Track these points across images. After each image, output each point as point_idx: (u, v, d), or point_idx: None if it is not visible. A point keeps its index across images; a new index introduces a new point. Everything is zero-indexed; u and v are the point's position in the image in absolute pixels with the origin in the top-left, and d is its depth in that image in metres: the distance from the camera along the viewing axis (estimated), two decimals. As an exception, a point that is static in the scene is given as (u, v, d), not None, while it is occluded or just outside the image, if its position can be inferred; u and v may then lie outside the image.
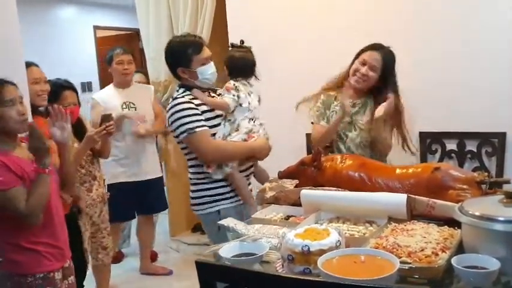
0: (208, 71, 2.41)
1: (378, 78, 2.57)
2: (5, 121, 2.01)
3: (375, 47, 2.60)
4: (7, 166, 1.97)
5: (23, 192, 1.97)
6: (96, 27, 7.57)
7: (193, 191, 2.49)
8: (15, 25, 2.67)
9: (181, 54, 2.39)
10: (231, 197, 2.46)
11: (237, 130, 2.44)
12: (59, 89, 2.93)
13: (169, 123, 2.39)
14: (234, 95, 2.42)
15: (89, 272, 3.17)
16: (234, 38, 2.85)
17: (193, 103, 2.37)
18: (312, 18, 3.49)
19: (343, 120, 2.57)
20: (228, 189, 2.45)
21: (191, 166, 2.49)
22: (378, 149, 2.61)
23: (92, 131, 2.94)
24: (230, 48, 2.59)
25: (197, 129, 2.32)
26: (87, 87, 7.14)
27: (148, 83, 4.27)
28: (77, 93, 3.02)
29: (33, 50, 6.07)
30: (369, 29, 3.29)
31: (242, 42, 2.57)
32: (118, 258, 4.12)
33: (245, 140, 2.43)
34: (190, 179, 2.51)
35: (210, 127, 2.38)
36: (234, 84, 2.46)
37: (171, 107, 2.37)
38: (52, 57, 6.58)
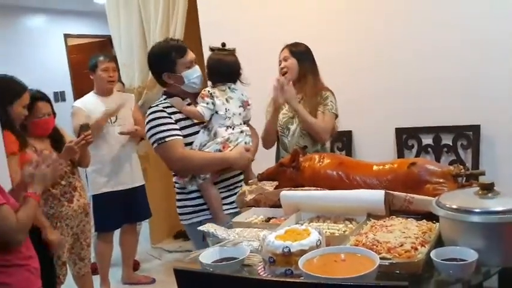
0: (194, 74, 2.36)
1: (298, 66, 2.77)
2: None
3: (283, 48, 2.85)
4: None
5: (12, 211, 1.94)
6: (67, 36, 7.46)
7: (178, 200, 2.47)
8: None
9: (164, 58, 2.35)
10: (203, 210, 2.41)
11: (214, 139, 2.36)
12: (32, 100, 2.86)
13: (145, 131, 2.36)
14: (208, 103, 2.33)
15: (72, 282, 3.16)
16: (206, 43, 2.84)
17: (165, 111, 2.32)
18: (286, 19, 3.51)
19: (280, 111, 2.76)
20: (202, 201, 2.39)
21: (174, 175, 2.46)
22: (312, 136, 2.73)
23: (70, 142, 2.90)
24: (210, 52, 2.52)
25: (167, 139, 2.27)
26: (60, 96, 7.03)
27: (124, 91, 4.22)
28: (50, 103, 2.97)
29: (3, 60, 6.00)
30: (347, 28, 3.33)
31: (223, 44, 2.50)
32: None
33: (220, 150, 2.33)
34: (175, 187, 2.48)
35: (186, 136, 2.32)
36: (209, 91, 2.37)
37: (146, 117, 2.35)
38: (23, 67, 6.44)
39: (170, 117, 2.31)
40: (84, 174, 3.58)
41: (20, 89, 2.63)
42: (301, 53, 2.79)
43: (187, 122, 2.35)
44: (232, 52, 2.48)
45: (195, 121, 2.36)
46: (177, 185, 2.45)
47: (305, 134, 2.75)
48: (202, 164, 2.31)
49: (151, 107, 2.37)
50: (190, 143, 2.33)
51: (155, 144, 2.29)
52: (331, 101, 2.75)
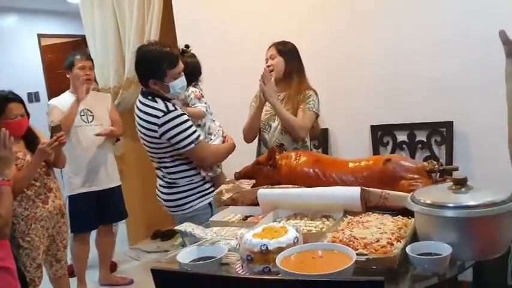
0: (179, 85, 2.44)
1: (285, 64, 2.80)
2: None
3: (270, 46, 2.89)
4: None
5: None
6: (40, 35, 7.33)
7: (177, 193, 2.54)
8: None
9: (155, 67, 2.37)
10: (210, 192, 2.57)
11: (209, 133, 2.60)
12: (4, 101, 2.81)
13: (167, 137, 2.38)
14: (205, 102, 2.57)
15: (48, 284, 3.13)
16: (182, 42, 2.84)
17: (185, 114, 2.44)
18: (261, 17, 3.51)
19: (264, 107, 2.80)
20: (211, 183, 2.60)
21: (176, 172, 2.52)
22: (293, 134, 2.77)
23: (43, 144, 2.86)
24: (184, 54, 2.61)
25: (200, 138, 2.45)
26: (34, 97, 6.91)
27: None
28: (23, 104, 2.92)
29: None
30: (321, 26, 3.35)
31: (187, 46, 2.60)
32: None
33: (222, 141, 2.64)
34: (174, 183, 2.54)
35: None
36: (199, 91, 2.56)
37: (168, 121, 2.36)
38: (-5, 68, 6.35)
39: (190, 120, 2.45)
40: (60, 174, 3.53)
41: None
42: (288, 52, 2.83)
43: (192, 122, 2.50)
44: (192, 53, 2.70)
45: (195, 120, 2.56)
46: (184, 180, 2.53)
47: (286, 131, 2.79)
48: (225, 154, 2.64)
49: (169, 111, 2.37)
50: None
51: (192, 145, 2.40)
52: (313, 100, 2.79)
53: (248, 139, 2.90)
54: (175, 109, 2.40)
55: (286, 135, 2.79)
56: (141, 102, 2.45)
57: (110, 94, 4.00)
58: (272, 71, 2.80)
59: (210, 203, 2.55)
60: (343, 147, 3.38)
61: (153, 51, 2.41)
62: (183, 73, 2.44)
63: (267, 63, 2.86)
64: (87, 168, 3.54)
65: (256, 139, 2.95)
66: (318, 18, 3.36)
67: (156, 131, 2.38)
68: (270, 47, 2.88)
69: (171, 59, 2.38)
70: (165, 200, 2.58)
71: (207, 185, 2.59)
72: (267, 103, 2.77)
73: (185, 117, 2.41)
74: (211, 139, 2.64)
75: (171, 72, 2.37)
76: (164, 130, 2.37)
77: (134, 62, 2.48)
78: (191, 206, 2.54)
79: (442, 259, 1.34)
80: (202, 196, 2.56)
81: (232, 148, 2.67)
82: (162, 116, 2.37)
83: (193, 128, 2.42)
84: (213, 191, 2.50)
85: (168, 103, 2.41)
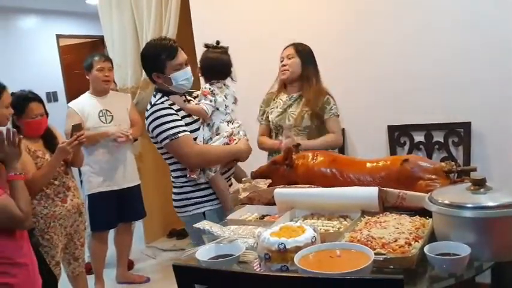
0: (182, 77, 2.36)
1: (301, 66, 2.81)
2: None
3: (287, 45, 2.88)
4: None
5: (11, 199, 1.99)
6: (59, 36, 7.43)
7: (176, 194, 2.48)
8: None
9: (154, 59, 2.35)
10: (215, 199, 2.45)
11: (217, 134, 2.43)
12: (24, 101, 2.86)
13: (150, 130, 2.35)
14: (211, 100, 2.40)
15: (66, 281, 3.16)
16: (199, 41, 2.84)
17: (173, 109, 2.35)
18: (277, 17, 3.52)
19: (275, 108, 2.89)
20: (211, 191, 2.45)
21: (174, 170, 2.46)
22: (307, 134, 2.81)
23: (63, 142, 2.90)
24: (205, 49, 2.54)
25: (179, 135, 2.30)
26: (52, 97, 7.00)
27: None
28: (43, 103, 2.97)
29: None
30: (340, 26, 3.35)
31: (218, 42, 2.52)
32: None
33: (227, 144, 2.43)
34: (174, 182, 2.49)
35: (190, 132, 2.36)
36: (210, 89, 2.43)
37: (151, 114, 2.34)
38: (15, 68, 6.43)
39: (177, 114, 2.35)
40: (78, 174, 3.58)
41: None
42: (306, 54, 2.83)
43: (190, 119, 2.40)
44: (226, 50, 2.51)
45: (196, 118, 2.42)
46: (177, 180, 2.46)
47: (300, 131, 2.79)
48: (218, 157, 2.41)
49: (155, 104, 2.35)
50: (194, 139, 2.37)
51: (167, 140, 2.30)
52: (333, 104, 2.84)
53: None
54: (162, 102, 2.35)
55: (301, 135, 2.79)
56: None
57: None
58: (287, 70, 2.80)
59: (204, 213, 2.42)
60: (359, 147, 3.37)
61: (152, 44, 2.43)
62: (187, 66, 2.39)
63: (282, 62, 2.85)
64: (106, 168, 3.58)
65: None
66: (337, 18, 3.35)
67: (146, 124, 2.39)
68: (287, 47, 2.87)
69: (170, 50, 2.34)
70: (172, 199, 2.53)
71: (202, 193, 2.43)
72: (277, 105, 2.86)
73: (169, 111, 2.33)
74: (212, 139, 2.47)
75: (170, 64, 2.33)
76: (148, 122, 2.35)
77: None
78: (187, 211, 2.45)
79: (461, 259, 1.34)
80: (196, 204, 2.44)
81: (234, 152, 2.45)
82: (149, 108, 2.37)
83: (174, 123, 2.31)
84: (211, 200, 2.44)
85: (163, 97, 2.37)
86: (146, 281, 3.92)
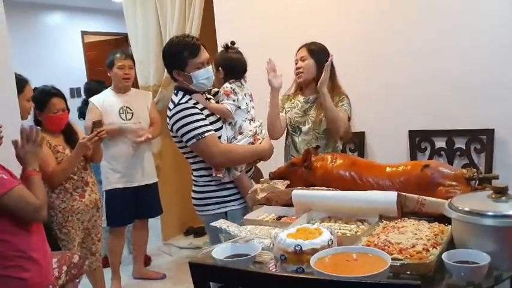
0: (203, 76, 2.35)
1: (316, 66, 2.74)
2: None
3: (300, 47, 2.84)
4: (3, 168, 2.00)
5: (27, 190, 2.05)
6: (84, 33, 7.54)
7: (197, 192, 2.48)
8: (4, 33, 2.62)
9: (176, 56, 2.35)
10: (238, 199, 2.46)
11: (240, 133, 2.44)
12: (47, 96, 2.92)
13: (174, 130, 2.34)
14: (234, 100, 2.42)
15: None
16: (222, 40, 2.85)
17: (197, 108, 2.35)
18: (299, 17, 3.52)
19: (293, 108, 2.82)
20: (235, 190, 2.45)
21: (197, 169, 2.46)
22: (334, 129, 2.70)
23: (84, 138, 2.94)
24: (223, 49, 2.56)
25: (206, 134, 2.30)
26: (76, 92, 7.10)
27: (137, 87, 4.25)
28: (65, 99, 3.01)
29: (21, 57, 6.07)
30: (363, 28, 3.33)
31: (233, 43, 2.54)
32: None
33: (252, 143, 2.44)
34: (195, 181, 2.49)
35: (215, 131, 2.36)
36: (231, 88, 2.44)
37: (175, 113, 2.33)
38: (41, 63, 6.55)
39: (202, 113, 2.35)
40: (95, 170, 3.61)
41: (20, 83, 2.66)
42: (319, 54, 2.76)
43: (214, 118, 2.41)
44: (238, 50, 2.56)
45: (219, 116, 2.43)
46: (200, 179, 2.46)
47: (319, 134, 2.77)
48: (243, 157, 2.43)
49: (179, 104, 2.34)
50: (218, 138, 2.38)
51: (193, 140, 2.30)
52: (346, 103, 2.78)
53: (274, 135, 2.78)
54: (187, 102, 2.34)
55: (319, 139, 2.76)
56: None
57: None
58: (301, 73, 2.77)
59: (226, 213, 2.42)
60: (379, 151, 3.35)
61: (174, 41, 2.43)
62: (208, 65, 2.39)
63: (296, 64, 2.82)
64: (125, 165, 3.61)
65: (283, 141, 2.92)
66: (360, 20, 3.33)
67: (169, 124, 2.38)
68: (300, 48, 2.83)
69: (193, 48, 2.34)
70: (192, 198, 2.53)
71: (226, 192, 2.44)
72: (295, 105, 2.81)
73: (195, 110, 2.32)
74: (236, 139, 2.47)
75: (192, 62, 2.32)
76: (172, 122, 2.34)
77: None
78: (207, 210, 2.45)
79: (480, 268, 1.32)
80: (219, 203, 2.43)
81: (259, 152, 2.48)
82: (173, 108, 2.35)
83: (199, 123, 2.30)
84: (234, 200, 2.44)
85: (186, 96, 2.36)
86: (162, 277, 3.95)
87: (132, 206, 3.70)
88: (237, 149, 2.40)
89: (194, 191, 2.50)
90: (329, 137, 2.78)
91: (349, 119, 2.79)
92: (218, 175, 2.38)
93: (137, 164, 3.66)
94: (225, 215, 2.38)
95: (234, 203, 2.45)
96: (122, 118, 3.58)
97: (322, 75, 2.61)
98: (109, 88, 3.69)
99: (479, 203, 1.46)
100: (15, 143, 2.21)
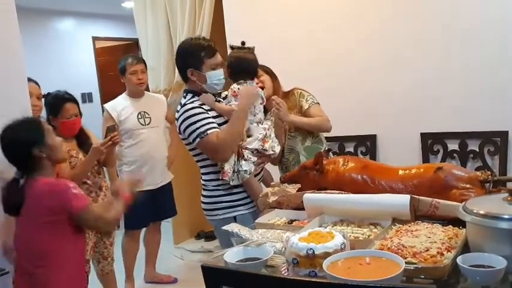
0: (217, 77, 2.38)
1: (270, 80, 2.81)
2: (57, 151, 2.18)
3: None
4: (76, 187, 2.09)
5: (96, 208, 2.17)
6: (95, 38, 7.60)
7: (206, 197, 2.48)
8: (17, 38, 2.62)
9: (193, 55, 2.38)
10: (248, 203, 2.45)
11: (248, 136, 2.42)
12: (60, 101, 2.94)
13: (182, 130, 2.36)
14: None
15: (95, 279, 3.24)
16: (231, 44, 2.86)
17: (203, 108, 2.36)
18: (309, 17, 3.51)
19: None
20: (244, 195, 2.45)
21: (206, 173, 2.47)
22: (324, 130, 2.81)
23: (98, 143, 2.95)
24: (230, 50, 2.57)
25: (209, 132, 2.30)
26: (87, 97, 7.15)
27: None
28: (78, 104, 3.03)
29: (33, 63, 6.12)
30: (373, 30, 3.32)
31: (243, 43, 2.54)
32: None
33: (262, 145, 2.42)
34: (204, 185, 2.49)
35: None
36: (239, 89, 2.43)
37: (181, 114, 2.35)
38: (53, 68, 6.60)
39: (208, 113, 2.36)
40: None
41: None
42: (270, 71, 2.84)
43: (221, 120, 2.40)
44: (252, 50, 2.53)
45: (226, 118, 2.41)
46: (209, 183, 2.46)
47: (292, 133, 2.81)
48: (237, 125, 2.36)
49: (185, 105, 2.36)
50: None
51: (197, 139, 2.31)
52: (307, 94, 2.82)
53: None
54: (192, 102, 2.36)
55: (297, 138, 2.81)
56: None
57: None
58: (263, 88, 2.73)
59: (235, 217, 2.41)
60: (391, 154, 3.33)
61: (191, 41, 2.46)
62: (222, 68, 2.41)
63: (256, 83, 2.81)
64: (143, 169, 3.61)
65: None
66: (369, 22, 3.32)
67: (177, 126, 2.40)
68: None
69: (209, 49, 2.38)
70: (201, 202, 2.53)
71: (235, 197, 2.44)
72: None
73: (199, 110, 2.34)
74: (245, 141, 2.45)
75: (208, 62, 2.36)
76: (179, 123, 2.36)
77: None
78: (216, 215, 2.44)
79: (496, 272, 1.30)
80: (228, 208, 2.43)
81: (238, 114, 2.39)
82: (180, 108, 2.38)
83: (203, 121, 2.31)
84: (243, 205, 2.44)
85: (193, 97, 2.38)
86: (174, 281, 3.95)
87: (149, 209, 3.70)
88: (228, 128, 2.34)
89: (203, 196, 2.50)
90: (303, 132, 2.81)
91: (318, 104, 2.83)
92: (225, 178, 2.37)
93: (155, 168, 3.68)
94: (234, 220, 2.37)
95: (242, 207, 2.44)
96: (140, 123, 3.59)
97: (274, 109, 2.61)
98: (124, 93, 3.70)
99: (494, 206, 1.43)
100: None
